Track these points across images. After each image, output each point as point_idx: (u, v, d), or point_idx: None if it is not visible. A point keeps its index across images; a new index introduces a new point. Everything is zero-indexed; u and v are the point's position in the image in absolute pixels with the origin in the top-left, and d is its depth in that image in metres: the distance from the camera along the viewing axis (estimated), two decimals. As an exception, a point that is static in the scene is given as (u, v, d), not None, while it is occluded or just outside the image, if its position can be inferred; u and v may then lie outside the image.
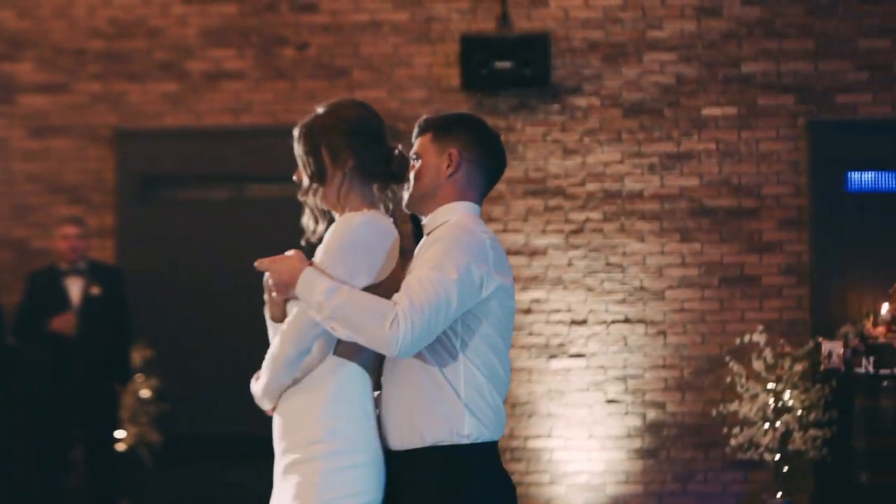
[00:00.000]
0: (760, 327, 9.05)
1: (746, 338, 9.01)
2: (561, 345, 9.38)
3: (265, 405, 3.79)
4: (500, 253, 3.75)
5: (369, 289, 3.61)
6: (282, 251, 3.75)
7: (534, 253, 9.45)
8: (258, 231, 9.54)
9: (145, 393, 9.38)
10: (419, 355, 3.65)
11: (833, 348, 8.30)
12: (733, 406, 8.98)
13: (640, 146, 9.48)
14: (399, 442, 3.71)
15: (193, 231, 9.65)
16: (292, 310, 3.65)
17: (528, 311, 9.39)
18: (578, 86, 9.51)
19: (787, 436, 8.85)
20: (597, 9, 9.51)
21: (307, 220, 3.83)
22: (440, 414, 3.65)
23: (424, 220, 3.89)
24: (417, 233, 3.92)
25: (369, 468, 3.59)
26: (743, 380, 8.97)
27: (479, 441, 3.69)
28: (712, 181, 9.47)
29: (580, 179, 9.48)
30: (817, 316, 9.25)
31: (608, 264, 9.45)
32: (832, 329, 8.88)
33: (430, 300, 3.53)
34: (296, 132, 3.79)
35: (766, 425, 8.86)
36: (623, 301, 9.42)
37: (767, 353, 8.92)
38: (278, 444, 3.72)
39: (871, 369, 8.09)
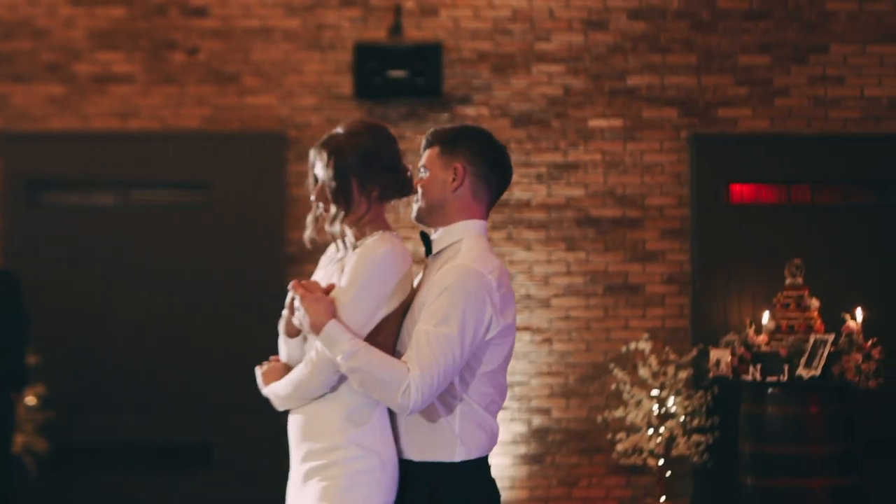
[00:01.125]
0: (646, 335, 9.06)
1: (632, 345, 9.02)
2: (449, 352, 9.27)
3: (279, 409, 3.88)
4: (506, 289, 3.78)
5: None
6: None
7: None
8: (145, 236, 9.33)
9: (31, 400, 9.07)
10: None
11: (721, 356, 8.33)
12: (618, 412, 8.96)
13: (527, 156, 9.44)
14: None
15: (79, 236, 9.36)
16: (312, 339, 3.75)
17: (416, 319, 9.26)
18: (468, 95, 9.43)
19: (670, 441, 8.86)
20: (486, 20, 9.44)
21: (308, 237, 3.92)
22: (433, 444, 3.74)
23: (434, 236, 3.93)
24: (426, 247, 3.96)
25: (387, 470, 3.72)
26: (628, 386, 8.96)
27: (468, 459, 3.77)
28: (598, 191, 9.45)
29: (469, 188, 9.38)
30: (698, 324, 9.28)
31: (496, 272, 9.36)
32: (713, 337, 8.92)
33: (438, 364, 3.61)
34: (321, 156, 3.82)
35: (651, 431, 8.86)
36: (510, 309, 9.34)
37: (652, 361, 8.92)
38: (298, 450, 3.79)
39: (758, 376, 8.13)
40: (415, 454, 3.74)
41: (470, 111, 9.42)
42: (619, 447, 8.96)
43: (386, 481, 3.68)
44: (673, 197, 9.47)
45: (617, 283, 9.41)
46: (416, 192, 3.90)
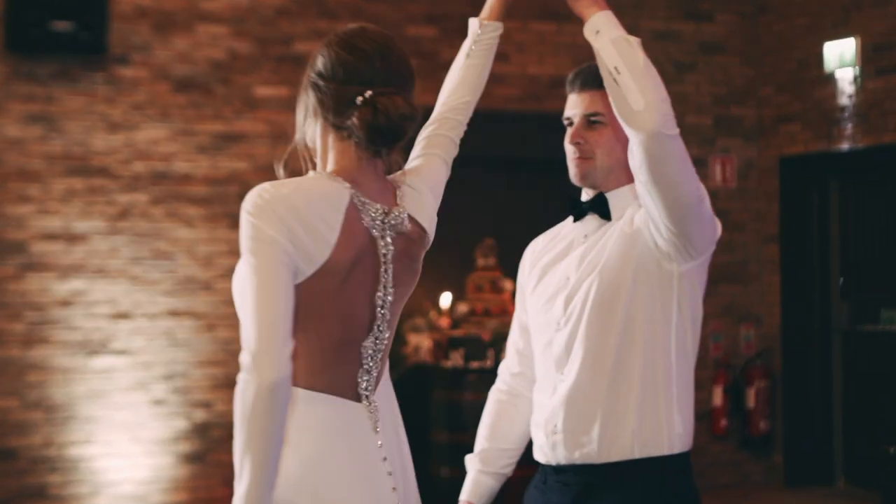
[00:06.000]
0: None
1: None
2: (102, 341, 7.95)
3: None
4: None
5: None
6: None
7: (74, 238, 7.96)
8: None
9: None
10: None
11: (420, 341, 7.51)
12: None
13: (190, 124, 8.25)
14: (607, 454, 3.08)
15: None
16: None
17: (66, 304, 7.90)
18: (126, 55, 8.11)
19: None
20: (145, -28, 8.17)
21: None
22: (653, 436, 2.99)
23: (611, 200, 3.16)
24: (578, 212, 3.17)
25: None
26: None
27: (682, 452, 3.03)
28: (264, 164, 8.41)
29: (126, 158, 8.10)
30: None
31: (155, 252, 8.13)
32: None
33: None
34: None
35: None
36: (170, 292, 8.15)
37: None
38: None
39: (461, 362, 7.35)
40: (637, 450, 2.98)
41: (129, 72, 8.11)
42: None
43: None
44: (338, 173, 8.58)
45: (282, 263, 8.40)
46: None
